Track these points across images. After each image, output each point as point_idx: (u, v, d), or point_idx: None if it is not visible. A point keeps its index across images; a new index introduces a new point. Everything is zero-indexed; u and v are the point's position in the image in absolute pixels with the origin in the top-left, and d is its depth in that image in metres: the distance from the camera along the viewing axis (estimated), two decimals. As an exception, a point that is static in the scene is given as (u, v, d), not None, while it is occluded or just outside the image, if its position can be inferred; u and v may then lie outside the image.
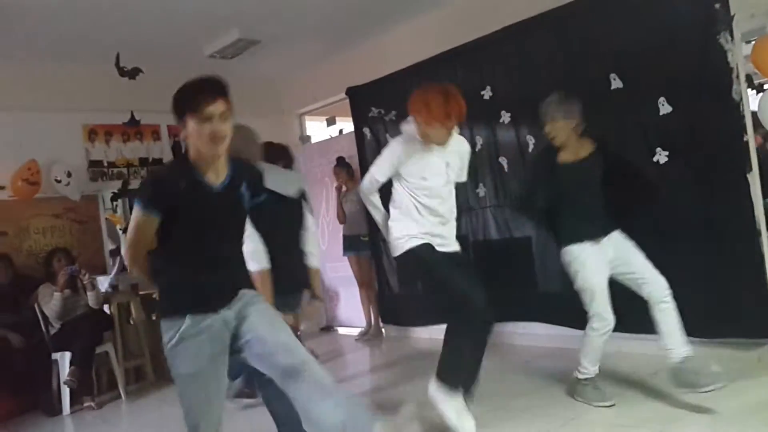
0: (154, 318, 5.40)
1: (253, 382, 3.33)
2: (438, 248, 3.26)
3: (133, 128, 6.41)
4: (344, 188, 6.32)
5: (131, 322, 5.69)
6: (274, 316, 2.40)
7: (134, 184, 6.35)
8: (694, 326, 3.95)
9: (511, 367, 4.43)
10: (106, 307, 5.45)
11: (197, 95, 2.22)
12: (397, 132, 5.76)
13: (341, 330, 7.09)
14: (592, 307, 3.44)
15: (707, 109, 3.81)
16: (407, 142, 3.30)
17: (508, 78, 4.85)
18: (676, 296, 3.97)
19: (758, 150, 4.05)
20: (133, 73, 5.42)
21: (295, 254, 3.17)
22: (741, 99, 3.71)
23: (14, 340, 5.04)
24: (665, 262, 4.04)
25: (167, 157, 6.73)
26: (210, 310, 2.23)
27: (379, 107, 6.00)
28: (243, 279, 2.42)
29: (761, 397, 3.35)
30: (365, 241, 6.18)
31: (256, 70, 6.62)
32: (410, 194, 3.28)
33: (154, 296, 4.83)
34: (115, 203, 6.24)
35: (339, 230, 6.45)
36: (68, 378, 4.80)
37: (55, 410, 4.94)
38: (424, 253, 3.23)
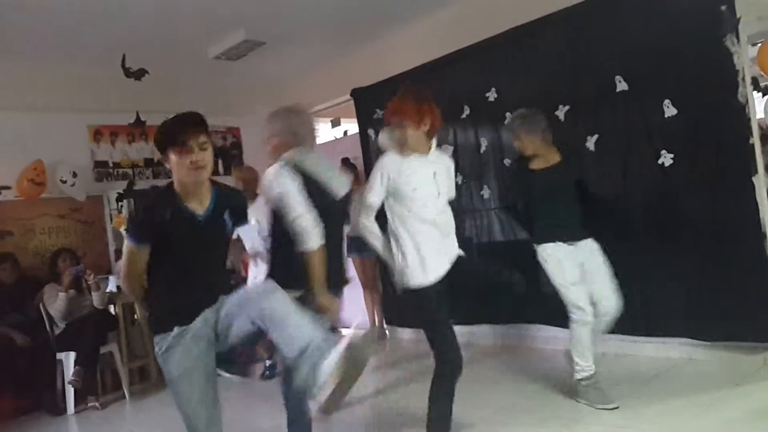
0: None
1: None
2: (437, 269, 3.01)
3: (138, 129, 6.42)
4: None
5: (135, 322, 5.70)
6: (248, 296, 2.48)
7: (139, 184, 6.38)
8: (699, 329, 3.96)
9: (515, 369, 4.43)
10: (110, 308, 5.46)
11: (176, 130, 2.37)
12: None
13: (344, 331, 7.08)
14: (567, 299, 3.59)
15: (713, 111, 3.80)
16: (388, 157, 3.10)
17: (513, 80, 4.84)
18: (682, 299, 3.98)
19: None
20: (138, 74, 5.43)
21: (340, 253, 3.09)
22: (747, 102, 3.70)
23: (19, 340, 5.05)
24: (670, 264, 4.06)
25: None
26: (193, 316, 2.39)
27: (383, 109, 5.97)
28: (222, 290, 2.51)
29: (767, 401, 3.34)
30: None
31: (261, 71, 6.64)
32: (403, 215, 3.04)
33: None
34: (120, 204, 6.25)
35: (343, 231, 6.45)
36: (73, 378, 4.81)
37: (60, 410, 4.96)
38: (422, 296, 3.01)
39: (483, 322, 5.18)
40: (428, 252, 2.94)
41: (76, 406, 4.96)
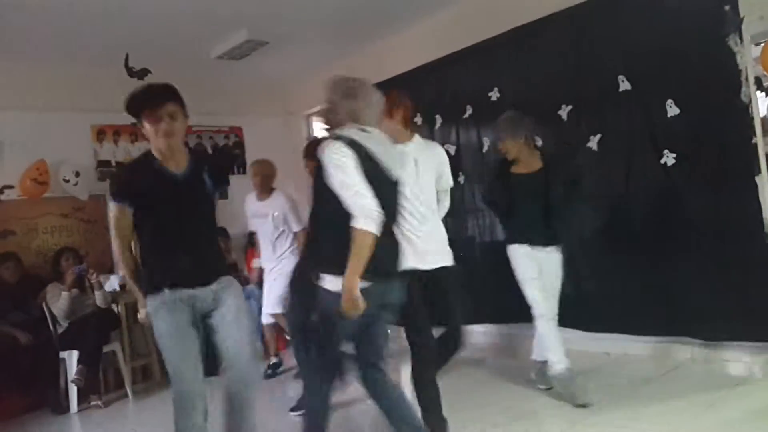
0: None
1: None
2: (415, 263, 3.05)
3: (141, 129, 6.41)
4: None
5: (138, 321, 5.70)
6: (242, 313, 2.69)
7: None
8: (702, 329, 3.96)
9: (519, 369, 4.42)
10: (113, 307, 5.47)
11: (146, 100, 2.58)
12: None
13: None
14: (527, 295, 3.80)
15: (716, 111, 3.80)
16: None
17: (516, 80, 4.85)
18: (684, 299, 3.98)
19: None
20: (141, 74, 5.44)
21: (395, 242, 2.74)
22: (750, 101, 3.70)
23: (22, 339, 5.06)
24: (672, 264, 4.06)
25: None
26: (184, 286, 2.55)
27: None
28: (215, 261, 2.72)
29: (767, 401, 3.35)
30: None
31: (264, 71, 6.64)
32: None
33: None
34: (122, 203, 6.25)
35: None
36: (75, 377, 4.82)
37: (63, 408, 4.97)
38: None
39: (485, 322, 5.18)
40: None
41: (79, 404, 4.96)
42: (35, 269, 5.62)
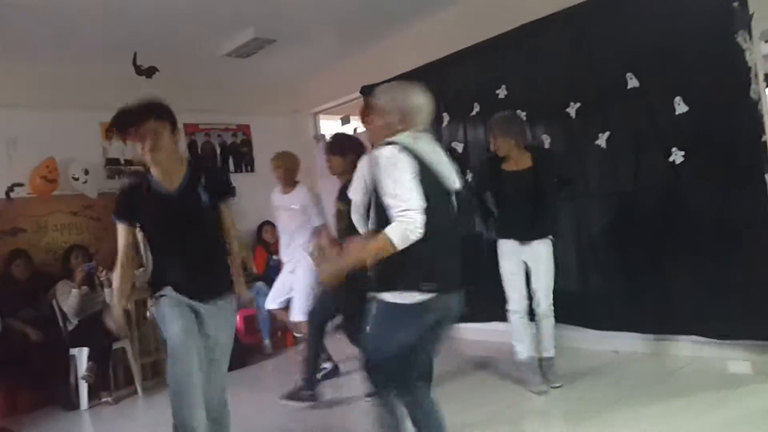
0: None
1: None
2: None
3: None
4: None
5: (148, 318, 5.73)
6: (226, 354, 2.87)
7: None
8: (712, 328, 3.94)
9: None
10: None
11: (131, 119, 2.70)
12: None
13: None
14: (505, 289, 4.00)
15: (724, 108, 3.79)
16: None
17: (524, 77, 4.84)
18: (692, 296, 3.97)
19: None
20: (149, 72, 5.47)
21: (454, 252, 2.53)
22: (759, 98, 3.68)
23: (33, 336, 5.09)
24: (679, 262, 4.05)
25: (183, 155, 6.77)
26: (183, 294, 2.68)
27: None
28: (216, 277, 2.80)
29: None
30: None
31: (271, 69, 6.65)
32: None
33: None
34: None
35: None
36: (86, 373, 4.86)
37: (73, 405, 5.00)
38: None
39: (493, 320, 5.17)
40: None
41: (89, 401, 5.00)
42: (45, 267, 5.65)
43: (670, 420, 3.17)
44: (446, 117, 5.52)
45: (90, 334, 5.01)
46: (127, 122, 2.68)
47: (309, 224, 4.99)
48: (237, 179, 7.14)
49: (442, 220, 2.39)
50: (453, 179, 2.54)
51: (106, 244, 6.08)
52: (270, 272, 6.56)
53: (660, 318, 4.16)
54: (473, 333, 4.97)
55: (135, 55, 5.34)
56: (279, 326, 6.49)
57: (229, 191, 2.87)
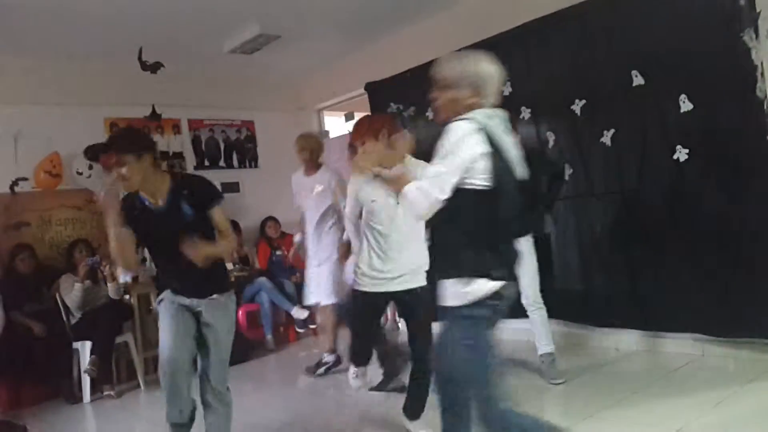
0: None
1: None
2: (377, 286, 3.24)
3: (154, 122, 6.47)
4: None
5: (151, 312, 5.75)
6: (221, 344, 2.96)
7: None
8: (715, 326, 3.95)
9: (528, 365, 4.43)
10: (126, 298, 5.51)
11: (101, 150, 2.92)
12: (415, 127, 5.81)
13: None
14: None
15: (730, 107, 3.78)
16: (351, 181, 3.47)
17: (529, 74, 4.83)
18: (695, 294, 3.97)
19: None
20: (154, 68, 5.47)
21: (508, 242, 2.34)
22: (765, 97, 3.66)
23: (37, 329, 5.11)
24: (684, 260, 4.04)
25: (187, 150, 6.80)
26: (180, 294, 2.93)
27: (397, 103, 6.01)
28: (206, 281, 2.94)
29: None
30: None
31: (276, 65, 6.66)
32: (365, 224, 3.33)
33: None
34: (135, 196, 6.29)
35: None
36: (89, 367, 4.87)
37: (76, 398, 5.02)
38: (358, 299, 3.37)
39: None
40: (377, 262, 3.22)
41: (92, 394, 5.01)
42: (49, 261, 5.66)
43: (672, 418, 3.16)
44: (451, 114, 5.51)
45: (93, 328, 5.02)
46: (100, 151, 3.01)
47: (333, 208, 4.95)
48: (241, 175, 7.22)
49: (510, 208, 2.22)
50: (520, 167, 2.32)
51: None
52: (273, 267, 6.58)
53: (662, 315, 4.16)
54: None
55: (140, 50, 5.34)
56: (281, 322, 6.51)
57: (213, 200, 2.95)
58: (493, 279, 2.16)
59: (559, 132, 4.70)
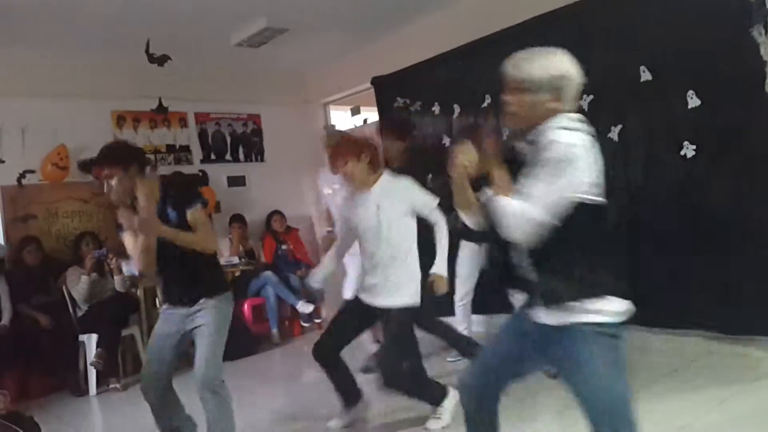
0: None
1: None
2: (364, 296, 3.40)
3: (160, 115, 6.48)
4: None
5: (157, 305, 5.77)
6: (209, 336, 3.02)
7: (161, 170, 6.43)
8: (720, 324, 3.93)
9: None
10: (132, 291, 5.53)
11: (93, 162, 3.05)
12: (421, 122, 5.81)
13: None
14: (465, 284, 4.51)
15: (738, 103, 3.76)
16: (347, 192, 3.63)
17: (536, 69, 4.81)
18: (702, 291, 3.95)
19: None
20: (161, 61, 5.47)
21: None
22: (774, 94, 3.65)
23: (43, 321, 5.13)
24: (691, 257, 4.03)
25: (194, 144, 6.81)
26: (175, 304, 3.09)
27: (404, 97, 6.00)
28: (196, 285, 3.06)
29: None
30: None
31: (283, 59, 6.65)
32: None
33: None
34: (142, 189, 6.31)
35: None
36: (95, 360, 4.89)
37: (82, 390, 5.04)
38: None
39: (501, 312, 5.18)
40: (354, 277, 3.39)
41: (98, 387, 5.04)
42: (56, 253, 5.69)
43: (677, 415, 3.16)
44: (457, 108, 5.51)
45: (99, 321, 5.04)
46: (92, 164, 3.08)
47: None
48: (247, 169, 7.23)
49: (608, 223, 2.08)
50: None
51: (115, 231, 6.13)
52: (278, 261, 6.59)
53: (667, 313, 4.15)
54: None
55: (148, 42, 5.34)
56: (286, 316, 6.52)
57: (191, 202, 3.02)
58: (620, 297, 1.97)
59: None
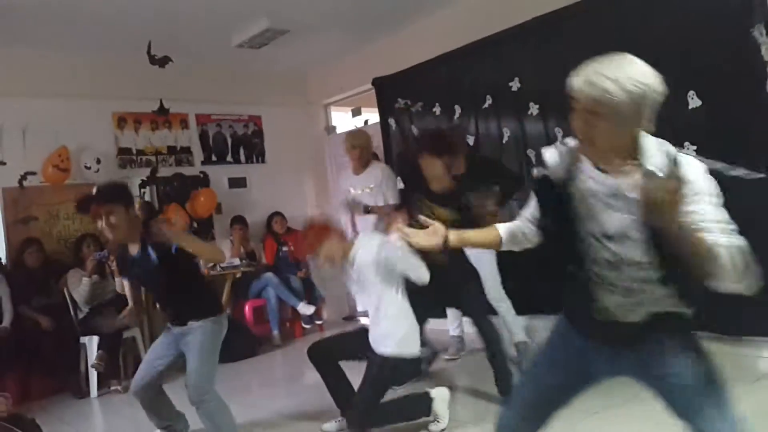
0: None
1: None
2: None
3: (161, 117, 6.48)
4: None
5: (158, 307, 5.77)
6: (196, 353, 3.25)
7: (162, 171, 6.44)
8: (721, 324, 3.91)
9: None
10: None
11: (86, 206, 3.26)
12: (422, 123, 5.81)
13: (363, 320, 7.12)
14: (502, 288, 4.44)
15: (739, 104, 3.74)
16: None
17: (537, 70, 4.80)
18: (706, 294, 3.93)
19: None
20: (163, 62, 5.47)
21: None
22: (775, 93, 3.64)
23: (44, 323, 5.13)
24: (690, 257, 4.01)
25: (195, 145, 6.80)
26: (171, 323, 3.41)
27: (405, 98, 6.00)
28: (186, 310, 3.32)
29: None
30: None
31: (284, 59, 6.65)
32: None
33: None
34: (143, 191, 6.32)
35: (361, 221, 6.43)
36: (96, 362, 4.89)
37: (83, 392, 5.04)
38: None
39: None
40: None
41: (99, 389, 5.04)
42: (57, 255, 5.68)
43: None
44: (458, 109, 5.50)
45: (100, 323, 5.05)
46: (90, 202, 3.23)
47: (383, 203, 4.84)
48: (248, 170, 7.24)
49: None
50: None
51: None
52: (279, 263, 6.59)
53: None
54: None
55: (149, 44, 5.34)
56: (288, 317, 6.52)
57: (169, 247, 3.14)
58: None
59: (568, 128, 4.64)
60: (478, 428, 3.40)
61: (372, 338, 3.31)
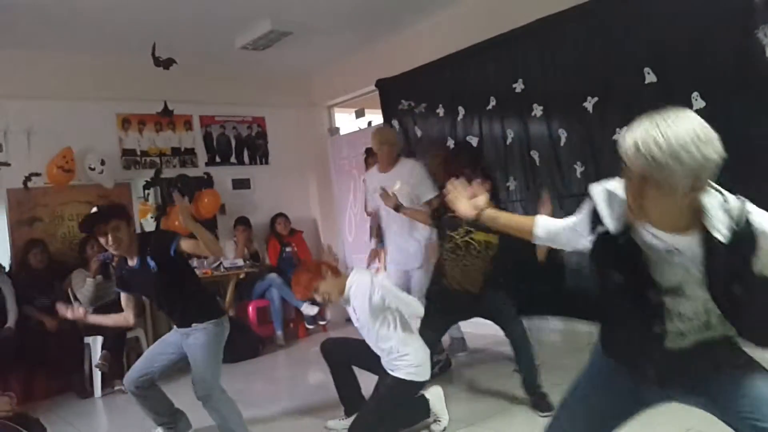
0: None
1: None
2: None
3: (165, 118, 6.50)
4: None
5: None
6: (198, 354, 3.36)
7: (166, 173, 6.46)
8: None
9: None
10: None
11: (90, 224, 3.45)
12: (426, 125, 5.82)
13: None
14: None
15: (743, 105, 3.73)
16: None
17: (541, 71, 4.81)
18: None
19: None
20: (167, 64, 5.49)
21: None
22: (779, 95, 3.63)
23: (49, 324, 5.14)
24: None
25: (199, 146, 6.82)
26: (176, 327, 3.52)
27: (408, 99, 6.00)
28: (188, 314, 3.42)
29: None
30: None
31: (287, 61, 6.66)
32: None
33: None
34: (146, 192, 6.34)
35: (366, 221, 6.46)
36: (99, 362, 4.90)
37: (87, 392, 5.05)
38: None
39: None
40: None
41: (103, 389, 5.04)
42: (61, 256, 5.70)
43: (683, 417, 3.13)
44: (461, 110, 5.51)
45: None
46: (94, 221, 3.39)
47: (416, 202, 4.56)
48: (251, 172, 7.25)
49: None
50: None
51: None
52: (283, 264, 6.60)
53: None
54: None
55: (154, 46, 5.36)
56: (291, 318, 6.53)
57: (171, 242, 3.34)
58: None
59: (571, 129, 4.68)
60: (478, 428, 3.41)
61: (383, 360, 3.30)
